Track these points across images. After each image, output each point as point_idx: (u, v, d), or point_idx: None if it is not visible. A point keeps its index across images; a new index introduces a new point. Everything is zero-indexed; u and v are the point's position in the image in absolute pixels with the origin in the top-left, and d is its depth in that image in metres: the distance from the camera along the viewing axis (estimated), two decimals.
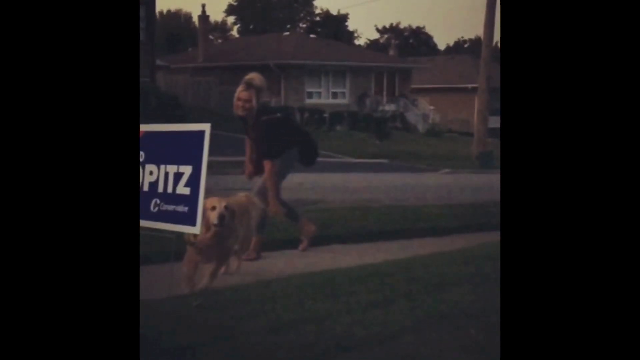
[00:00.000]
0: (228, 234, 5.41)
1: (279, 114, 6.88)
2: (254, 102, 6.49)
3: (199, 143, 4.57)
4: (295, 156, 6.98)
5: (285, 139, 6.79)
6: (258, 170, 6.79)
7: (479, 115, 29.10)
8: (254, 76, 6.63)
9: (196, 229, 4.64)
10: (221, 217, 5.20)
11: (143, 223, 4.73)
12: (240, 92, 6.55)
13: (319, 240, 7.64)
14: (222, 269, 5.66)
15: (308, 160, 7.24)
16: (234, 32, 67.56)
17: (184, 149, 4.70)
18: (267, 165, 6.60)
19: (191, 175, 4.63)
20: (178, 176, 4.72)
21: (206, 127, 4.51)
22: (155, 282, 4.82)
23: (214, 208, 5.22)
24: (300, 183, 14.74)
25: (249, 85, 6.50)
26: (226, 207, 5.28)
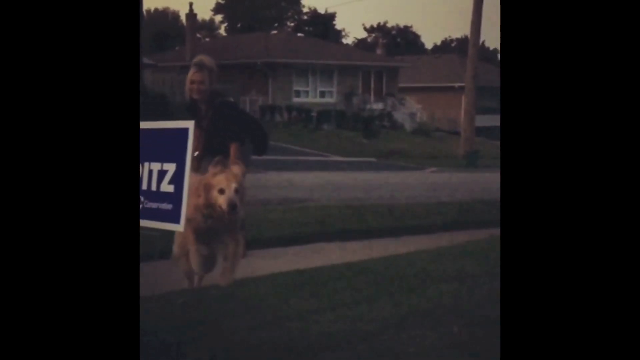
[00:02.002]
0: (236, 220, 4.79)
1: (231, 98, 6.46)
2: (207, 83, 6.11)
3: (182, 140, 4.54)
4: (250, 147, 6.45)
5: (242, 124, 6.37)
6: (200, 165, 5.90)
7: (465, 114, 29.20)
8: (203, 57, 6.31)
9: (180, 227, 4.61)
10: (232, 206, 4.61)
11: None
12: (193, 74, 6.15)
13: (305, 239, 7.66)
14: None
15: (261, 149, 6.67)
16: (222, 31, 67.44)
17: (167, 147, 4.67)
18: (233, 148, 6.07)
19: (175, 173, 4.59)
20: (162, 174, 4.69)
21: (190, 124, 4.48)
22: (140, 280, 4.81)
23: (222, 191, 4.69)
24: (288, 181, 14.75)
25: (201, 67, 6.14)
26: (237, 191, 4.68)
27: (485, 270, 5.17)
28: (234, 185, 4.68)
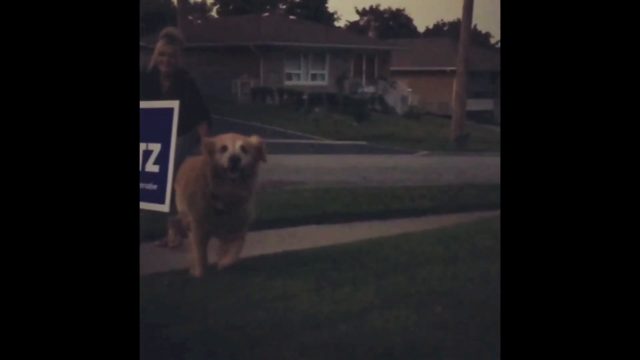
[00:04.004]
0: (249, 181, 4.37)
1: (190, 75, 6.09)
2: (178, 57, 5.83)
3: (167, 121, 4.53)
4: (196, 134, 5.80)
5: (204, 106, 5.92)
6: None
7: (456, 98, 29.18)
8: (173, 29, 6.03)
9: (165, 207, 4.60)
10: (234, 160, 4.15)
11: None
12: (162, 46, 5.80)
13: (294, 221, 7.66)
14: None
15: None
16: (214, 13, 67.00)
17: (152, 127, 4.66)
18: (203, 128, 5.74)
19: (160, 153, 4.59)
20: (147, 154, 4.68)
21: (175, 104, 4.47)
22: None
23: (224, 149, 4.24)
24: (278, 164, 14.73)
25: (172, 39, 5.83)
26: (242, 148, 4.24)
27: (472, 253, 5.19)
28: (240, 142, 4.25)
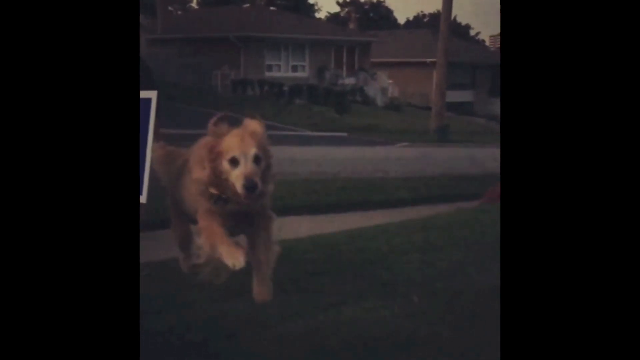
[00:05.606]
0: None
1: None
2: (142, 43, 5.60)
3: (145, 111, 4.48)
4: None
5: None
6: None
7: (436, 90, 29.27)
8: None
9: (142, 198, 4.54)
10: (250, 187, 3.15)
11: None
12: None
13: (274, 212, 7.67)
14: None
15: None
16: (194, 4, 66.65)
17: None
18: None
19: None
20: None
21: (152, 94, 4.41)
22: None
23: (234, 162, 3.22)
24: None
25: None
26: (256, 158, 3.23)
27: (449, 243, 5.23)
28: (252, 152, 3.22)
